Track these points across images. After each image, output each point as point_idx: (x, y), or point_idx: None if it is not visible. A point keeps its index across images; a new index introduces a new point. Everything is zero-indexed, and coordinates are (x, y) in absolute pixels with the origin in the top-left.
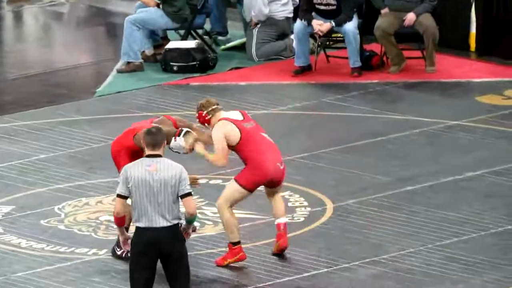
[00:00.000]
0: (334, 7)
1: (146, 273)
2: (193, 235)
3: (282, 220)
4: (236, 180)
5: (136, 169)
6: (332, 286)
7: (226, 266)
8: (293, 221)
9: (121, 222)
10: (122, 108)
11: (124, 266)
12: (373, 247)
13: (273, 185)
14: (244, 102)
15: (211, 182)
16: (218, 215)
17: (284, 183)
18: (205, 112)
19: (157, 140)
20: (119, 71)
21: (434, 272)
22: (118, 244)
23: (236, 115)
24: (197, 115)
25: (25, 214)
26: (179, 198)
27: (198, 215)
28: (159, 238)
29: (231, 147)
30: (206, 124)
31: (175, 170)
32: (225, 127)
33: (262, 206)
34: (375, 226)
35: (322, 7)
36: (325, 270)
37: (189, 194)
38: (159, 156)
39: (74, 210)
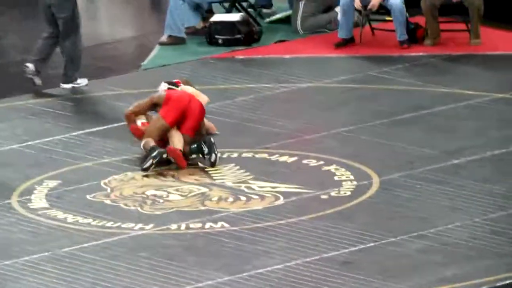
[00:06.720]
0: None
1: None
2: (239, 210)
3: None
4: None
5: None
6: (378, 260)
7: (275, 242)
8: (340, 195)
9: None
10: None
11: (171, 241)
12: (419, 221)
13: None
14: (289, 75)
15: (257, 156)
16: (264, 189)
17: (330, 157)
18: None
19: None
20: (160, 44)
21: (480, 246)
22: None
23: None
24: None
25: (71, 189)
26: None
27: (244, 189)
28: None
29: None
30: None
31: None
32: None
33: (308, 180)
34: (421, 199)
35: None
36: (372, 244)
37: None
38: None
39: (120, 184)
